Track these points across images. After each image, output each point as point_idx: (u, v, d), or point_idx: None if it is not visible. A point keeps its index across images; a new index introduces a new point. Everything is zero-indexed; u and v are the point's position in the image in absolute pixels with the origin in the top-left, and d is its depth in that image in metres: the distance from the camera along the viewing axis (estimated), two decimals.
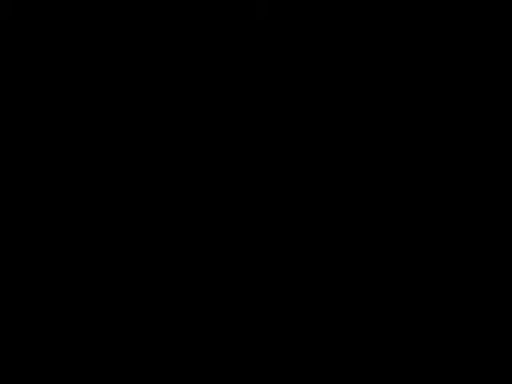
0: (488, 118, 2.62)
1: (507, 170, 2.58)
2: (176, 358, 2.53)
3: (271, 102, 2.64)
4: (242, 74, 2.65)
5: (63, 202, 2.60)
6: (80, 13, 2.67)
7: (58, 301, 2.55)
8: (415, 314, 2.54)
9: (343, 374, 2.51)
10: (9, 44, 2.65)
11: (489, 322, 2.52)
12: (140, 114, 2.64)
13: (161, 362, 2.53)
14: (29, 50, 2.66)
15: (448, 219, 2.58)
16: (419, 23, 2.65)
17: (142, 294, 2.56)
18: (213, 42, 2.66)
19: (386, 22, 2.65)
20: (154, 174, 2.62)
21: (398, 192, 2.60)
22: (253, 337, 2.54)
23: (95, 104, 2.65)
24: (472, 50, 2.64)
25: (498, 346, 2.50)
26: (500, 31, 2.64)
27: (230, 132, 2.63)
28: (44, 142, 2.63)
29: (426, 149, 2.61)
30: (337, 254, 2.57)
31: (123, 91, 2.65)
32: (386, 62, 2.64)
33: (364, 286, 2.56)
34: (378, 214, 2.59)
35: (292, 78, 2.65)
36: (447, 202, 2.59)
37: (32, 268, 2.57)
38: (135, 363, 2.53)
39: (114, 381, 2.51)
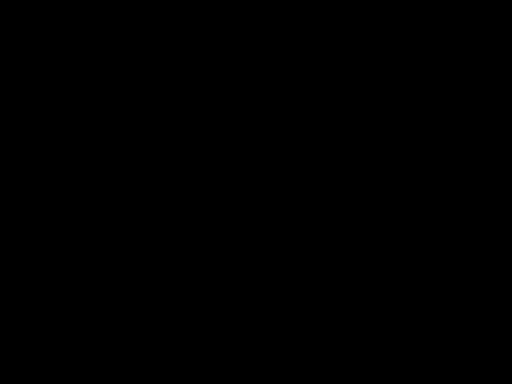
0: (488, 118, 2.62)
1: (507, 170, 2.59)
2: (176, 358, 2.53)
3: (271, 101, 2.65)
4: (242, 73, 2.65)
5: (63, 201, 2.61)
6: (80, 13, 2.67)
7: (58, 301, 2.56)
8: (415, 314, 2.54)
9: (343, 374, 2.51)
10: (9, 44, 2.66)
11: (489, 322, 2.52)
12: (140, 114, 2.65)
13: (161, 362, 2.53)
14: (29, 50, 2.66)
15: (448, 219, 2.58)
16: (419, 23, 2.65)
17: (142, 293, 2.57)
18: (213, 41, 2.66)
19: (386, 22, 2.66)
20: (154, 173, 2.62)
21: (398, 192, 2.60)
22: (253, 337, 2.54)
23: (95, 104, 2.65)
24: (472, 50, 2.64)
25: (497, 345, 2.50)
26: (500, 31, 2.64)
27: (230, 132, 2.63)
28: (44, 142, 2.63)
29: (426, 149, 2.62)
30: (337, 254, 2.58)
31: (123, 91, 2.65)
32: (386, 62, 2.65)
33: (364, 285, 2.56)
34: (378, 213, 2.59)
35: (292, 78, 2.65)
36: (447, 202, 2.59)
37: (32, 268, 2.57)
38: (135, 363, 2.53)
39: (114, 381, 2.51)
